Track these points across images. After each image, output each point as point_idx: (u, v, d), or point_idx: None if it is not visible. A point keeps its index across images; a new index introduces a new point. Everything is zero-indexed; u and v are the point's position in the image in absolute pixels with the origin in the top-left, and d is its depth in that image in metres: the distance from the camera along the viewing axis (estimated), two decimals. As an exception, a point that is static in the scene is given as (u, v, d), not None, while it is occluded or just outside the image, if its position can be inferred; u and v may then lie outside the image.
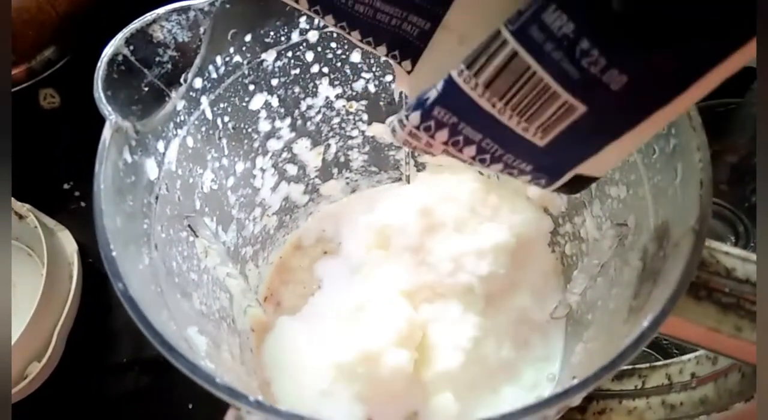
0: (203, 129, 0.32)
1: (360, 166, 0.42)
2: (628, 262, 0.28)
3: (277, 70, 0.34)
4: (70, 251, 0.47)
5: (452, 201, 0.37)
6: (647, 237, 0.27)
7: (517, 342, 0.36)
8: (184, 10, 0.28)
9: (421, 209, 0.37)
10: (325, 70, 0.36)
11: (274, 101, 0.35)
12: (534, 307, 0.37)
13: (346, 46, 0.35)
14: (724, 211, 0.48)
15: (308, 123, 0.38)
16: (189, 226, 0.31)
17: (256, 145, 0.36)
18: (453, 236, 0.36)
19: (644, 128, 0.20)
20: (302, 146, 0.38)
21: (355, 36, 0.23)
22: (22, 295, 0.45)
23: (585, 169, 0.22)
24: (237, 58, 0.32)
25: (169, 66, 0.28)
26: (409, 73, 0.23)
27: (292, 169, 0.39)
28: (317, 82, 0.36)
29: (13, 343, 0.40)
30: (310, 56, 0.35)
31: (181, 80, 0.29)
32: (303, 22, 0.33)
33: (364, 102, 0.38)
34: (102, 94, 0.26)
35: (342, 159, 0.41)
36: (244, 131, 0.35)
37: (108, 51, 0.26)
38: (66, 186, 0.53)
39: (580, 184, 0.23)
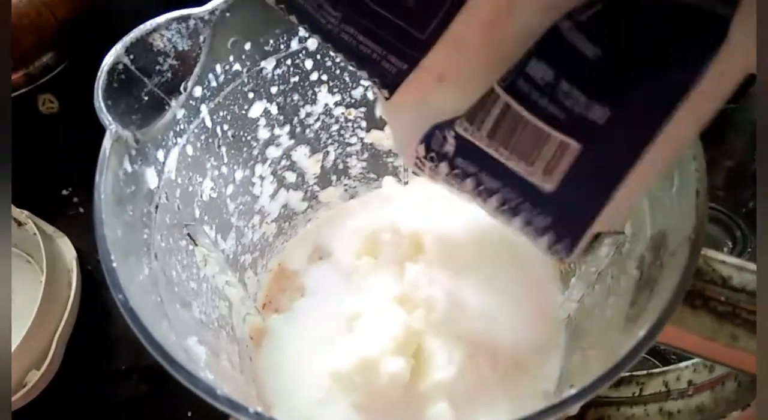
0: (203, 137, 0.32)
1: (359, 172, 0.42)
2: (625, 271, 0.28)
3: (276, 77, 0.34)
4: (69, 258, 0.47)
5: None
6: (644, 246, 0.27)
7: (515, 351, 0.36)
8: (184, 18, 0.28)
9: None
10: (324, 77, 0.36)
11: (274, 109, 0.35)
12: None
13: (344, 54, 0.35)
14: (721, 215, 0.48)
15: (307, 130, 0.38)
16: (188, 234, 0.31)
17: (255, 152, 0.36)
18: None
19: (646, 166, 0.21)
20: (301, 153, 0.39)
21: (340, 57, 0.24)
22: (22, 302, 0.44)
23: (603, 223, 0.23)
24: (236, 67, 0.32)
25: (169, 75, 0.28)
26: (387, 99, 0.24)
27: (291, 177, 0.39)
28: (316, 89, 0.36)
29: (12, 350, 0.39)
30: (309, 64, 0.35)
31: (181, 89, 0.29)
32: (302, 30, 0.33)
33: (362, 109, 0.38)
34: (102, 104, 0.26)
35: (341, 166, 0.41)
36: (244, 139, 0.35)
37: (108, 60, 0.26)
38: (64, 192, 0.53)
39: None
